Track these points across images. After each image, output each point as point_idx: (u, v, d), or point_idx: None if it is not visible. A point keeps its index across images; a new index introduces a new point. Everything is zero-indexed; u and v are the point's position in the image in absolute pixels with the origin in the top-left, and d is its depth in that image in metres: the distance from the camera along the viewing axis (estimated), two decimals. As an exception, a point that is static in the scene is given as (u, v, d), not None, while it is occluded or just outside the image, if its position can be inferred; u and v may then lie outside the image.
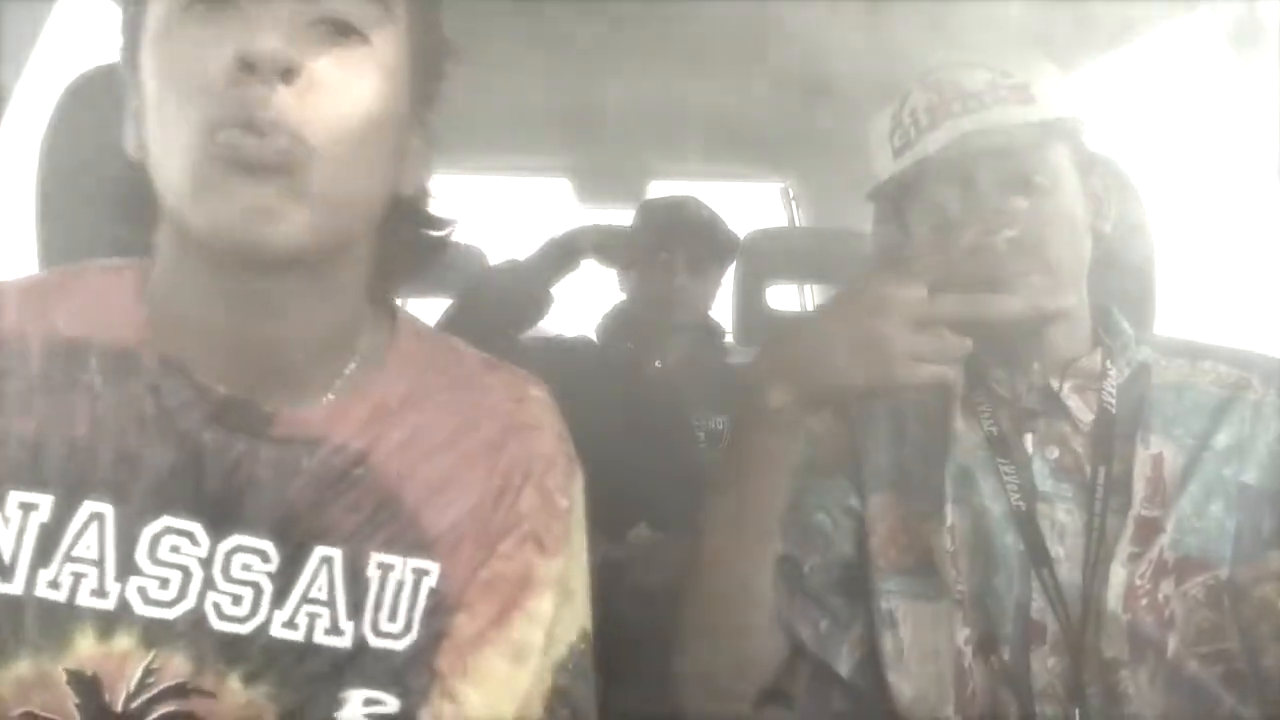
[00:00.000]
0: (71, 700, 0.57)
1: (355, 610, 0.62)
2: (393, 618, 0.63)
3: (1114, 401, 0.83)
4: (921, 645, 0.82)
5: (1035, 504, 0.81)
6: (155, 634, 0.58)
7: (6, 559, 0.58)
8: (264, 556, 0.61)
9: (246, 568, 0.60)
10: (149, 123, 0.58)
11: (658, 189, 2.15)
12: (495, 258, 1.88)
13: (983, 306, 0.72)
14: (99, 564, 0.59)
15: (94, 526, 0.59)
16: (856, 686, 0.83)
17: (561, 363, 1.71)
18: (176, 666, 0.58)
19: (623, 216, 1.80)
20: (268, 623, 0.60)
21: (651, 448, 1.57)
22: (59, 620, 0.57)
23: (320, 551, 0.62)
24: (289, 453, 0.62)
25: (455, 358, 0.71)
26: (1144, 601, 0.76)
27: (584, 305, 1.82)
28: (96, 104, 0.83)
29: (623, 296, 1.82)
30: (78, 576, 0.58)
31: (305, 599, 0.61)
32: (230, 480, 0.61)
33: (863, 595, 0.85)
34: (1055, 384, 0.84)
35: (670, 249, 1.70)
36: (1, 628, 0.57)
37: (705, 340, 1.81)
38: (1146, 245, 1.03)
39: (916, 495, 0.85)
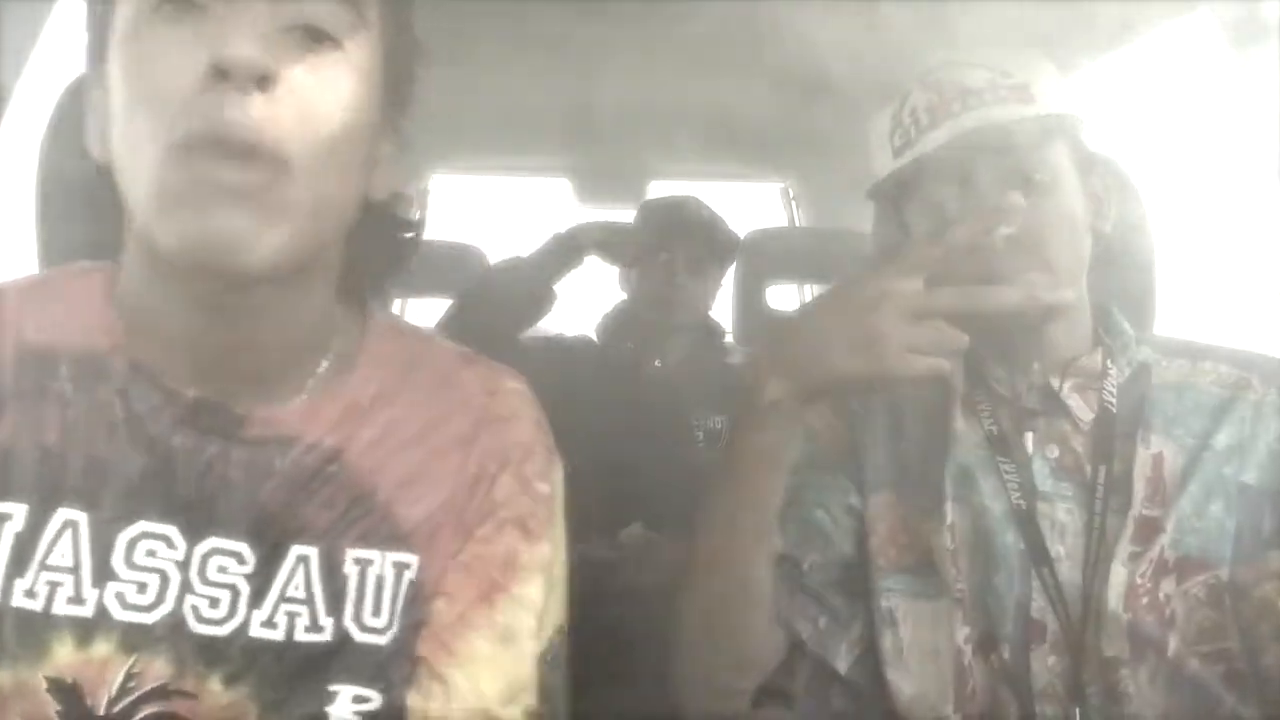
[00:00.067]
0: (52, 707, 0.56)
1: (334, 606, 0.62)
2: (376, 613, 0.62)
3: (1114, 401, 0.83)
4: (921, 644, 0.82)
5: (1035, 503, 0.81)
6: (135, 639, 0.58)
7: None
8: (239, 558, 0.61)
9: (222, 570, 0.60)
10: (115, 126, 0.58)
11: (658, 189, 2.16)
12: (495, 258, 1.88)
13: (979, 298, 0.72)
14: (74, 571, 0.58)
15: (68, 534, 0.59)
16: (855, 684, 0.83)
17: (561, 362, 1.72)
18: (157, 670, 0.58)
19: (623, 216, 1.80)
20: (246, 623, 0.60)
21: (650, 447, 1.57)
22: (36, 629, 0.57)
23: (296, 550, 0.62)
24: (261, 453, 0.62)
25: (430, 354, 0.71)
26: (1144, 601, 0.76)
27: (584, 304, 1.83)
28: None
29: (623, 296, 1.82)
30: (53, 585, 0.58)
31: (283, 598, 0.61)
32: (203, 483, 0.61)
33: (862, 594, 0.85)
34: (1055, 383, 0.84)
35: (670, 249, 1.70)
36: None
37: (705, 340, 1.81)
38: (1146, 245, 1.03)
39: (916, 494, 0.85)
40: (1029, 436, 0.83)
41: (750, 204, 2.48)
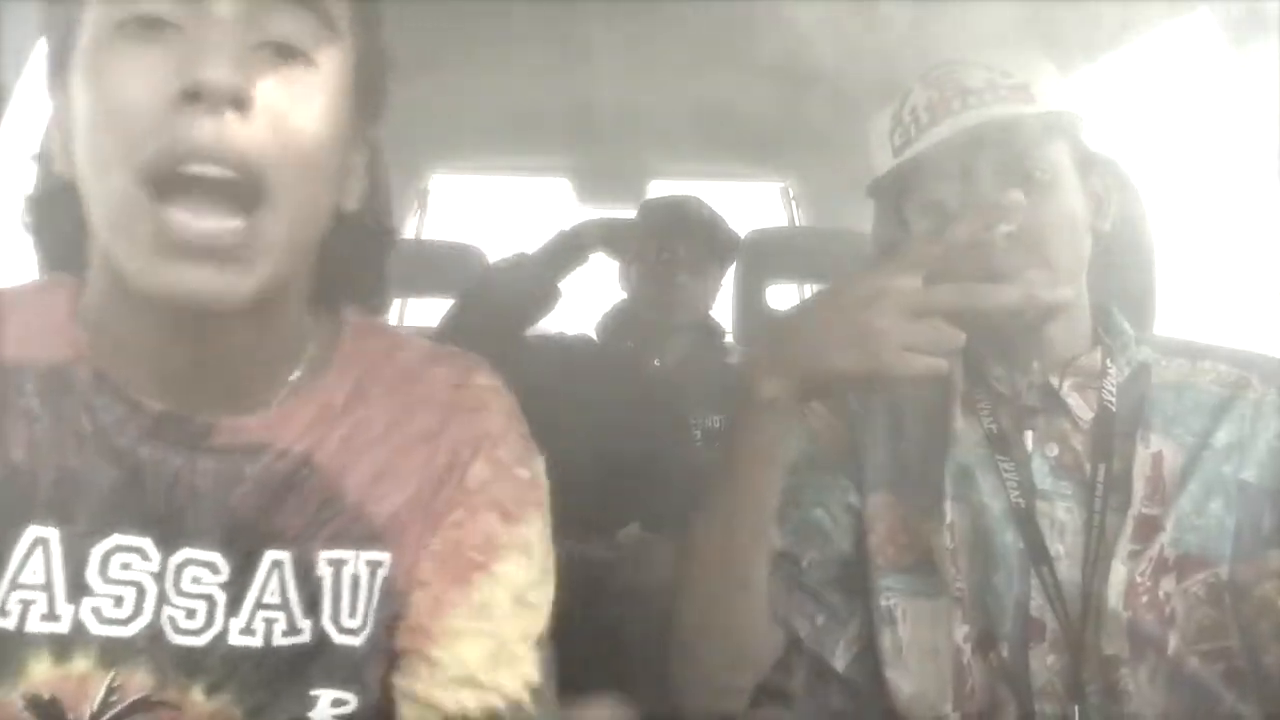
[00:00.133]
0: None
1: (311, 609, 0.61)
2: (353, 613, 0.62)
3: (1114, 400, 0.83)
4: (920, 643, 0.82)
5: (1035, 501, 0.81)
6: (114, 653, 0.58)
7: None
8: (213, 568, 0.60)
9: (196, 580, 0.60)
10: (78, 142, 0.56)
11: (658, 189, 2.16)
12: (495, 258, 1.88)
13: (978, 296, 0.72)
14: (47, 588, 0.58)
15: (39, 551, 0.58)
16: (853, 683, 0.84)
17: (561, 361, 1.72)
18: (139, 682, 0.58)
19: (623, 216, 1.80)
20: (225, 632, 0.60)
21: (648, 447, 1.57)
22: (10, 647, 0.56)
23: (270, 556, 0.61)
24: (230, 462, 0.61)
25: (401, 353, 0.70)
26: (1144, 599, 0.76)
27: (584, 303, 1.83)
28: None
29: (623, 295, 1.83)
30: (26, 603, 0.57)
31: (260, 604, 0.61)
32: (172, 494, 0.60)
33: (861, 592, 0.85)
34: (1055, 382, 0.84)
35: (671, 249, 1.70)
36: None
37: (705, 340, 1.81)
38: (1146, 245, 1.03)
39: (916, 493, 0.85)
40: (1028, 435, 0.83)
41: (750, 204, 2.48)
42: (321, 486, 0.63)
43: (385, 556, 0.63)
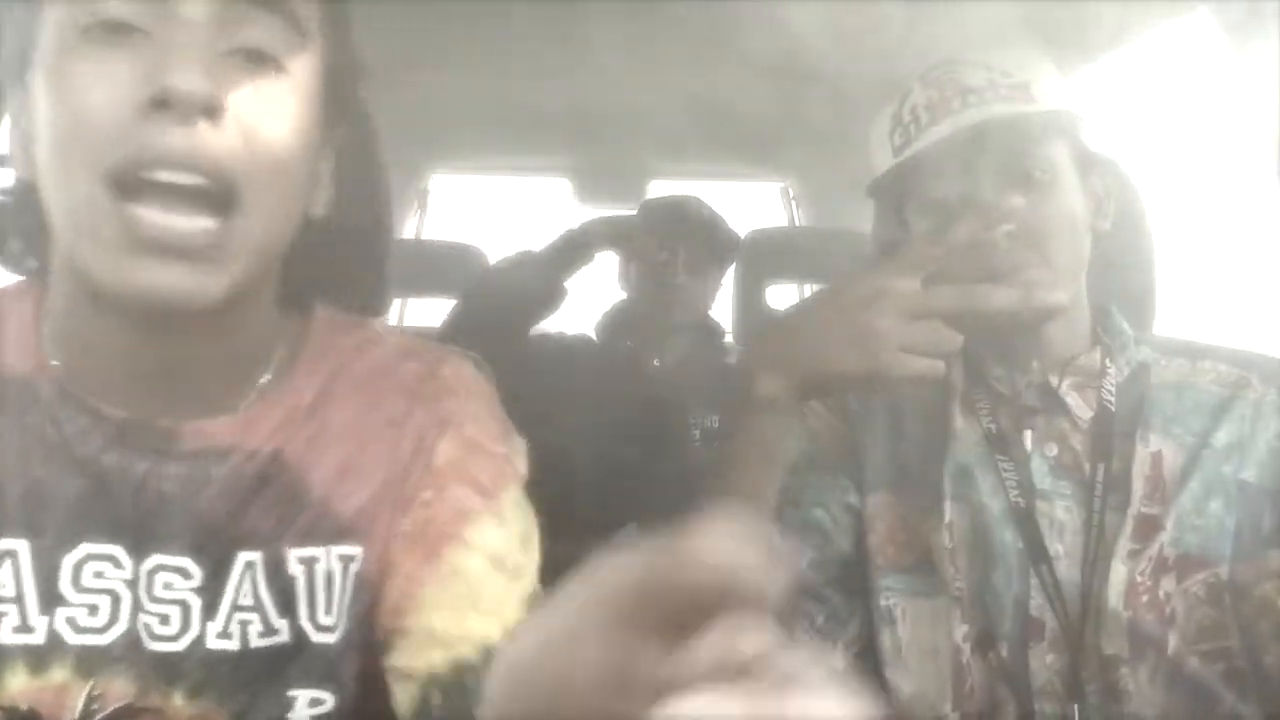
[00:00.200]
0: None
1: (286, 609, 0.61)
2: (328, 611, 0.61)
3: (1113, 400, 0.83)
4: (920, 642, 0.82)
5: (1034, 501, 0.81)
6: (91, 661, 0.57)
7: None
8: (184, 573, 0.59)
9: (169, 586, 0.59)
10: (40, 145, 0.55)
11: (658, 189, 2.16)
12: (495, 258, 1.88)
13: (977, 299, 0.72)
14: (18, 601, 0.57)
15: (8, 564, 0.57)
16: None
17: (560, 360, 1.72)
18: (119, 690, 0.57)
19: (628, 215, 1.80)
20: (202, 637, 0.59)
21: (648, 447, 1.57)
22: None
23: (244, 558, 0.60)
24: (197, 466, 0.60)
25: (372, 348, 0.69)
26: (1144, 599, 0.76)
27: (584, 303, 1.83)
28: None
29: (622, 295, 1.83)
30: None
31: (235, 607, 0.60)
32: (139, 500, 0.59)
33: (860, 592, 0.85)
34: (1054, 381, 0.84)
35: (671, 249, 1.70)
36: None
37: (705, 340, 1.81)
38: (1146, 245, 1.03)
39: (915, 493, 0.85)
40: (1028, 435, 0.83)
41: (750, 204, 2.48)
42: (288, 485, 0.62)
43: (356, 550, 0.62)
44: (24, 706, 0.56)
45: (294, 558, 0.61)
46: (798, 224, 2.39)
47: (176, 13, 0.53)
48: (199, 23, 0.54)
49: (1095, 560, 0.78)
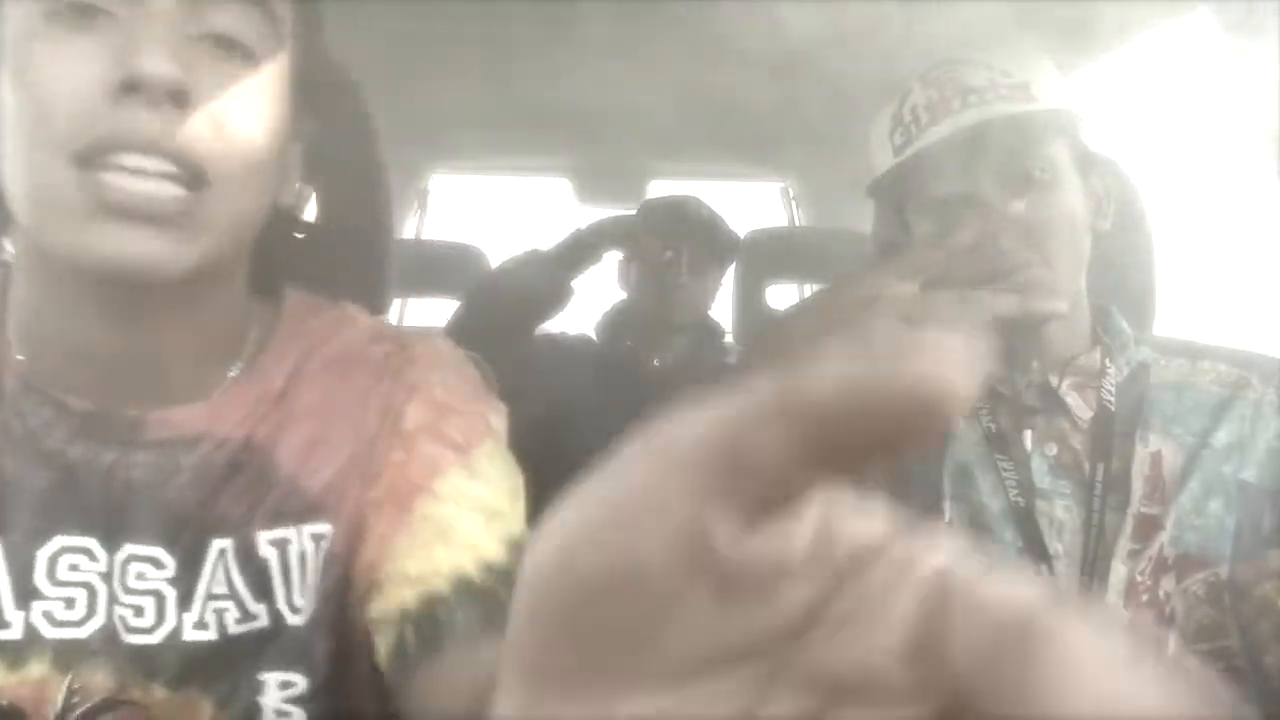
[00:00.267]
0: None
1: (262, 593, 0.59)
2: (303, 592, 0.60)
3: (1113, 399, 0.83)
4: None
5: (1034, 501, 0.81)
6: (68, 655, 0.56)
7: None
8: (156, 563, 0.58)
9: (141, 577, 0.58)
10: (4, 131, 0.54)
11: (658, 189, 2.16)
12: (499, 256, 1.88)
13: (975, 305, 0.72)
14: None
15: None
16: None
17: (560, 360, 1.72)
18: (99, 683, 0.56)
19: (636, 214, 1.80)
20: (179, 628, 0.58)
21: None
22: None
23: (216, 545, 0.59)
24: (165, 455, 0.59)
25: (343, 330, 0.67)
26: (1144, 598, 0.76)
27: (584, 303, 1.83)
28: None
29: (622, 294, 1.83)
30: None
31: (210, 596, 0.59)
32: (108, 491, 0.58)
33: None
34: (1054, 381, 0.84)
35: (671, 249, 1.70)
36: None
37: (705, 340, 1.81)
38: (1146, 245, 1.03)
39: (914, 492, 0.85)
40: (1027, 434, 0.84)
41: (750, 204, 2.48)
42: (256, 468, 0.61)
43: (326, 528, 0.61)
44: (4, 702, 0.55)
45: (264, 540, 0.60)
46: (798, 224, 2.39)
47: None
48: (168, 7, 0.53)
49: (1095, 560, 0.78)
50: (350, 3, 1.19)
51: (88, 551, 0.58)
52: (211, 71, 0.54)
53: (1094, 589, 0.77)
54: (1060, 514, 0.81)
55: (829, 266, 1.86)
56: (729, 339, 1.87)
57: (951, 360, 0.17)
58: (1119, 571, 0.77)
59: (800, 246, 2.04)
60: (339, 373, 0.64)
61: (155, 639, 0.58)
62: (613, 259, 1.72)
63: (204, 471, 0.60)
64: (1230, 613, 0.75)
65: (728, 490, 0.17)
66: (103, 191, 0.51)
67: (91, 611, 0.57)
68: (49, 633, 0.57)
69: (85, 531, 0.58)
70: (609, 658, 0.18)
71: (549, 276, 1.52)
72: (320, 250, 0.83)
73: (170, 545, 0.59)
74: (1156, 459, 0.80)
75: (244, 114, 0.55)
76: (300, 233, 0.73)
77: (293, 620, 0.60)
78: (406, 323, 2.25)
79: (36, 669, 0.56)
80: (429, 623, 0.56)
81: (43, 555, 0.57)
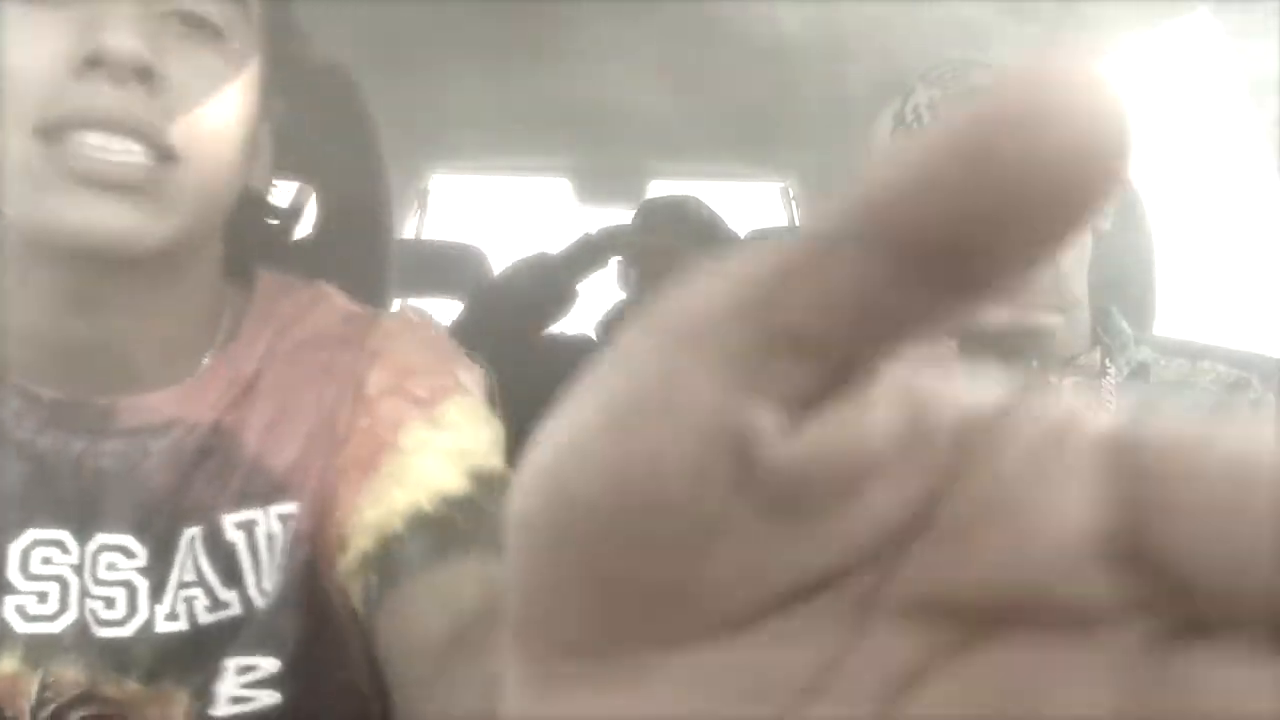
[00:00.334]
0: None
1: (232, 580, 0.58)
2: (272, 575, 0.59)
3: (1113, 399, 0.83)
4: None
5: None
6: (39, 650, 0.55)
7: None
8: (127, 552, 0.57)
9: (112, 567, 0.57)
10: None
11: (658, 189, 2.16)
12: (495, 257, 1.88)
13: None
14: None
15: None
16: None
17: (560, 360, 1.72)
18: (71, 679, 0.55)
19: (623, 216, 1.80)
20: (150, 621, 0.57)
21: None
22: None
23: (187, 534, 0.58)
24: (135, 442, 0.58)
25: (317, 310, 0.66)
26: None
27: (585, 303, 1.83)
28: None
29: (622, 295, 1.83)
30: None
31: (180, 585, 0.57)
32: (78, 480, 0.57)
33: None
34: (1054, 381, 0.84)
35: (671, 249, 1.70)
36: None
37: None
38: (1146, 245, 1.03)
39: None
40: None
41: (750, 204, 2.48)
42: (223, 451, 0.59)
43: (293, 507, 0.59)
44: None
45: (230, 524, 0.58)
46: (798, 224, 2.39)
47: None
48: None
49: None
50: (351, 3, 1.19)
51: (60, 544, 0.57)
52: (179, 49, 0.53)
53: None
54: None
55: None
56: (729, 339, 1.87)
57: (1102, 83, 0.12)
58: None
59: (800, 246, 2.03)
60: (308, 349, 0.63)
61: (127, 632, 0.57)
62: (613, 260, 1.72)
63: (174, 458, 0.58)
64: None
65: (773, 367, 0.13)
66: (70, 162, 0.50)
67: (64, 606, 0.56)
68: (21, 627, 0.55)
69: (57, 524, 0.57)
70: (630, 617, 0.13)
71: (555, 280, 1.52)
72: (320, 250, 0.83)
73: (141, 534, 0.57)
74: (1157, 459, 0.80)
75: (211, 91, 0.54)
76: (273, 218, 0.72)
77: (261, 602, 0.58)
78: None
79: (8, 664, 0.55)
80: (386, 562, 0.55)
81: (15, 549, 0.56)
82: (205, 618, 0.58)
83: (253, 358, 0.62)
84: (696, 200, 1.78)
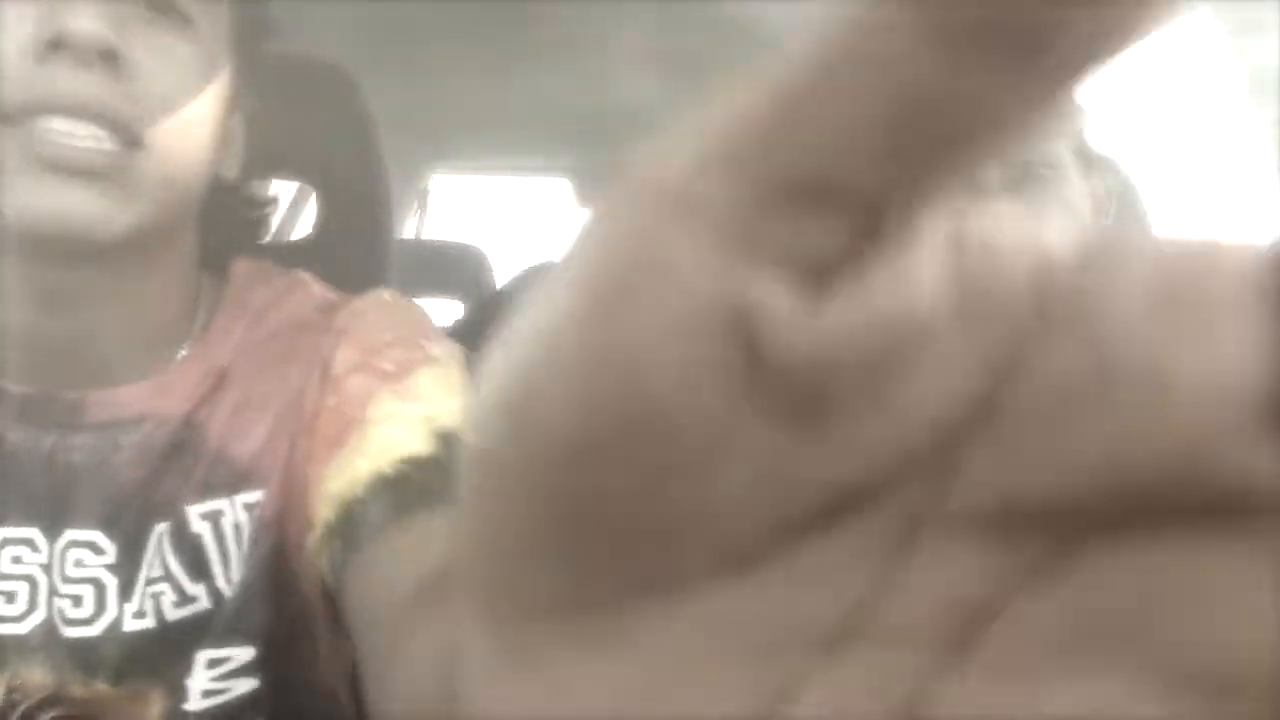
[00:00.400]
0: None
1: (199, 573, 0.57)
2: (240, 565, 0.57)
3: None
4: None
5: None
6: (7, 652, 0.55)
7: None
8: (95, 548, 0.56)
9: (80, 564, 0.56)
10: None
11: (658, 189, 2.15)
12: (495, 258, 1.88)
13: None
14: None
15: None
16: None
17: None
18: (37, 681, 0.55)
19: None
20: (119, 619, 0.55)
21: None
22: None
23: (156, 530, 0.57)
24: (105, 436, 0.57)
25: (293, 298, 0.64)
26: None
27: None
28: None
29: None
30: None
31: (148, 582, 0.56)
32: (48, 476, 0.56)
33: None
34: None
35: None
36: None
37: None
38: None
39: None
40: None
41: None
42: (191, 443, 0.58)
43: (258, 495, 0.58)
44: None
45: (195, 515, 0.57)
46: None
47: None
48: None
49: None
50: (352, 2, 1.19)
51: (30, 542, 0.56)
52: (145, 35, 0.53)
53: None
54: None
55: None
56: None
57: None
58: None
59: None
60: (277, 340, 0.61)
61: (94, 631, 0.56)
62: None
63: (144, 452, 0.57)
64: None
65: (779, 228, 0.10)
66: (36, 147, 0.50)
67: (32, 606, 0.55)
68: None
69: (28, 521, 0.56)
70: (615, 559, 0.11)
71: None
72: (320, 250, 0.83)
73: (110, 529, 0.56)
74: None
75: (179, 78, 0.54)
76: (250, 209, 0.71)
77: (230, 595, 0.57)
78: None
79: None
80: (348, 526, 0.53)
81: None
82: (173, 614, 0.56)
83: (226, 349, 0.61)
84: (696, 200, 1.78)
